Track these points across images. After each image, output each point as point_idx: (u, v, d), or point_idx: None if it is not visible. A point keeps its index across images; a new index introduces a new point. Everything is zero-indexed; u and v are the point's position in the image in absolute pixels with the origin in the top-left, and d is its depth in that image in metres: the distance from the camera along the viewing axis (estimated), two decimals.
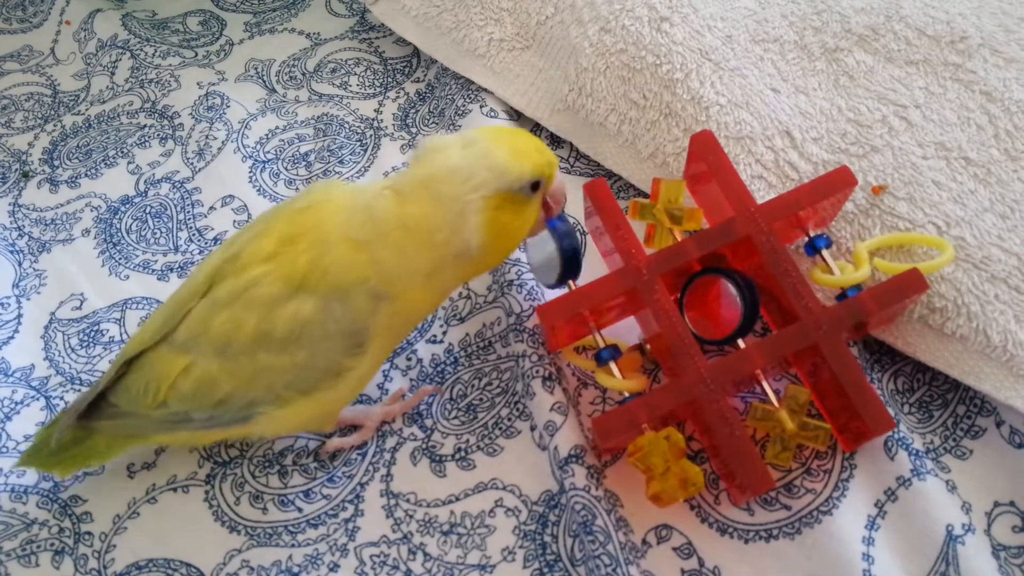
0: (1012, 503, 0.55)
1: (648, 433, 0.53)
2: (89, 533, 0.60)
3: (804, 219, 0.59)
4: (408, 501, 0.59)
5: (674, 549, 0.55)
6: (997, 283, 0.57)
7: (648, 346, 0.61)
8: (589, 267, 0.64)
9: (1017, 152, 0.62)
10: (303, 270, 0.50)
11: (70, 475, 0.60)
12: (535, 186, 0.51)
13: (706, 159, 0.59)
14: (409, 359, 0.65)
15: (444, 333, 0.66)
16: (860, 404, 0.52)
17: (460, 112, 0.76)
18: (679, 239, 0.59)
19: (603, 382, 0.57)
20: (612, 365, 0.57)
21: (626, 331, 0.62)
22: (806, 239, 0.59)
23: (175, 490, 0.61)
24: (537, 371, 0.60)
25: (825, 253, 0.59)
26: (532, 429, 0.61)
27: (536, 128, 0.77)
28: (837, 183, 0.57)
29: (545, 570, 0.56)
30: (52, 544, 0.59)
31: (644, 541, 0.56)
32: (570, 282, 0.60)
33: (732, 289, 0.57)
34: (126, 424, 0.56)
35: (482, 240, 0.49)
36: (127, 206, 0.77)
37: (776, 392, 0.56)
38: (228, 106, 0.83)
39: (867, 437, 0.54)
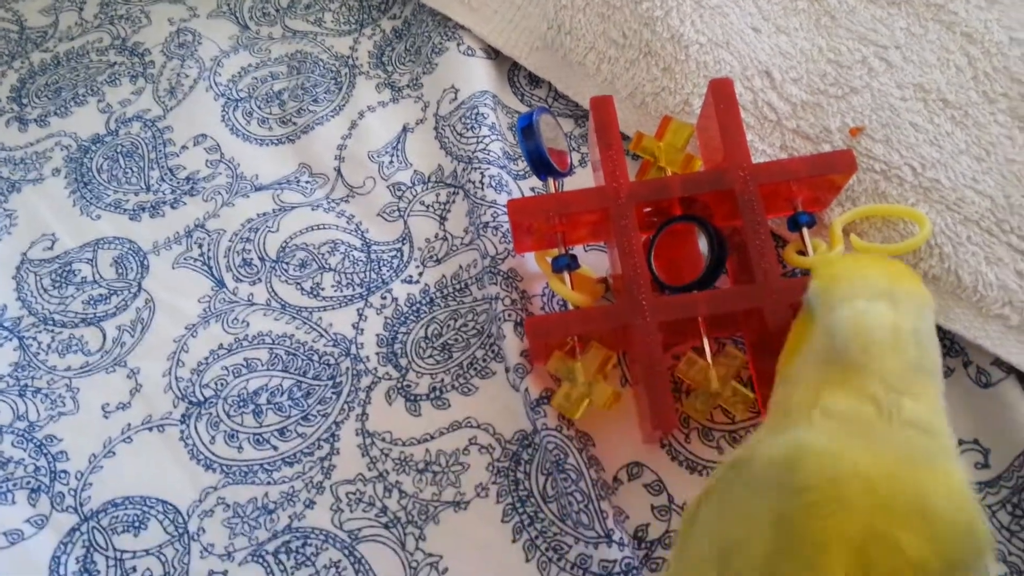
0: (976, 440, 0.56)
1: (557, 353, 0.55)
2: (65, 472, 0.60)
3: (795, 193, 0.58)
4: (384, 440, 0.60)
5: (644, 486, 0.56)
6: (970, 225, 0.57)
7: (611, 280, 0.61)
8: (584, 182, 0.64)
9: (995, 94, 0.62)
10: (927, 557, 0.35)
11: None
12: None
13: (718, 106, 0.57)
14: (384, 298, 0.65)
15: (420, 274, 0.66)
16: None
17: (437, 50, 0.75)
18: None
19: (553, 287, 0.58)
20: (566, 275, 0.58)
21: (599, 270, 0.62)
22: (791, 214, 0.59)
23: (150, 429, 0.61)
24: (509, 315, 0.60)
25: (805, 231, 0.58)
26: (507, 371, 0.61)
27: (514, 67, 0.75)
28: (836, 163, 0.55)
29: (518, 505, 0.57)
30: (28, 483, 0.60)
31: (615, 479, 0.57)
32: (552, 181, 0.60)
33: (702, 239, 0.57)
34: None
35: None
36: (98, 145, 0.76)
37: (715, 350, 0.56)
38: (200, 43, 0.81)
39: None
